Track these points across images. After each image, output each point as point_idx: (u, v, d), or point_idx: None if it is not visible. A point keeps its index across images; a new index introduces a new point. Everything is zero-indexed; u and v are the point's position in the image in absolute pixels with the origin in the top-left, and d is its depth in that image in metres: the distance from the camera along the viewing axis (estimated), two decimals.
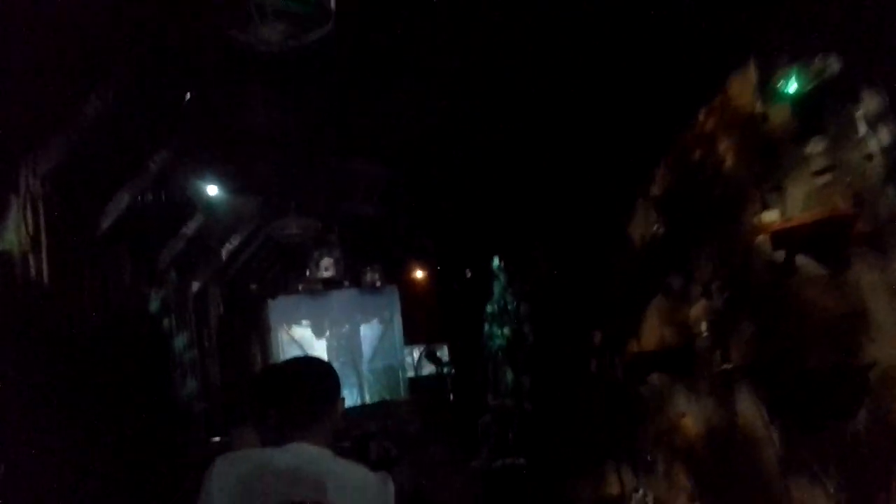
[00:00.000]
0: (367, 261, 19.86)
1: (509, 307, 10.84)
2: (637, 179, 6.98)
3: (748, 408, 5.55)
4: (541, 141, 8.13)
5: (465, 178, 10.31)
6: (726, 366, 5.57)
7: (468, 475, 11.71)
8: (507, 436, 11.13)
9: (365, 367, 22.80)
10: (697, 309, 5.90)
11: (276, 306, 21.75)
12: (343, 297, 21.86)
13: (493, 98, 8.08)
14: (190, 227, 10.91)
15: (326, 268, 15.56)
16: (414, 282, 22.83)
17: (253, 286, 21.24)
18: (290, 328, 22.58)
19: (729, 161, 5.51)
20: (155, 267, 10.47)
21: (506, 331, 10.57)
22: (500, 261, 10.88)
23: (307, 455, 2.33)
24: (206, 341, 14.07)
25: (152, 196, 9.03)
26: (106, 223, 8.09)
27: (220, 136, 9.53)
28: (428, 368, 24.12)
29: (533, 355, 10.19)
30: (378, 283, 20.62)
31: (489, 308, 11.54)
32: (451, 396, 11.85)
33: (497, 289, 11.33)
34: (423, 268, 21.99)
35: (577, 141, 7.64)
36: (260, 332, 22.21)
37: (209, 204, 10.90)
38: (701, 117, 5.83)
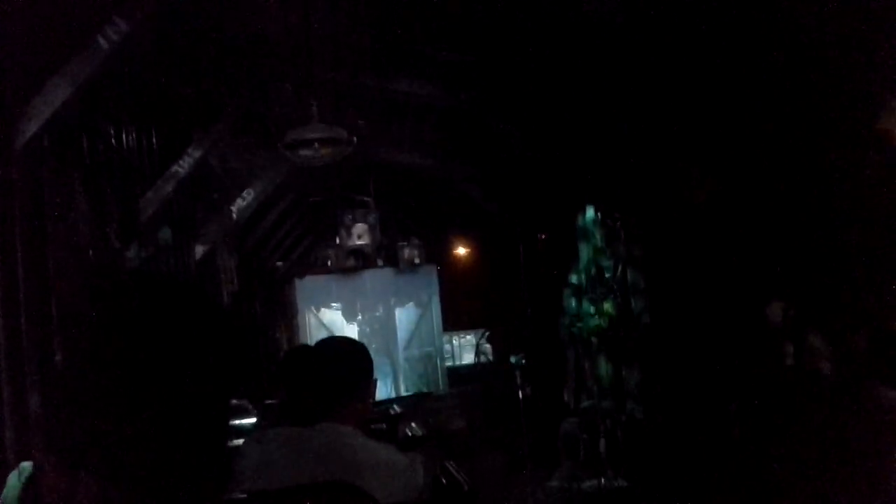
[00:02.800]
0: (405, 234, 16.79)
1: (607, 275, 7.69)
2: None
3: None
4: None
5: (551, 95, 7.17)
6: None
7: (544, 496, 8.60)
8: (599, 448, 8.00)
9: (400, 355, 20.05)
10: None
11: (304, 286, 19.18)
12: (377, 278, 19.19)
13: None
14: (183, 165, 7.90)
15: (360, 235, 12.53)
16: (454, 260, 19.90)
17: (279, 263, 18.47)
18: (318, 311, 20.01)
19: None
20: (133, 215, 7.49)
21: (607, 307, 7.41)
22: (595, 213, 7.72)
23: (337, 435, 2.24)
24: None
25: (112, 98, 6.03)
26: (30, 129, 5.10)
27: (212, 33, 6.49)
28: (468, 357, 21.28)
29: (648, 341, 7.04)
30: (417, 261, 17.54)
31: (574, 279, 8.40)
32: (521, 393, 8.74)
33: (586, 252, 8.19)
34: (465, 244, 18.97)
35: None
36: (286, 315, 19.63)
37: (210, 134, 7.90)
38: None
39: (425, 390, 19.22)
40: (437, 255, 18.78)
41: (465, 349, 21.23)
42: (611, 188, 7.52)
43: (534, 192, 8.89)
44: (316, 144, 5.33)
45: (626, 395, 7.47)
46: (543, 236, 9.16)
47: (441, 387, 19.58)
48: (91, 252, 6.25)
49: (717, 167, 5.89)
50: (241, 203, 10.61)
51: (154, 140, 8.06)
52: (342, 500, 2.15)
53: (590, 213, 7.82)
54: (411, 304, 20.11)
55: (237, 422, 9.58)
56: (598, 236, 7.78)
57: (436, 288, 19.58)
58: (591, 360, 7.95)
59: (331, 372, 2.36)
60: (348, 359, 2.42)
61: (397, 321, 19.90)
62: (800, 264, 4.85)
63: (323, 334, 17.87)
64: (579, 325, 7.99)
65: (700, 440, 6.45)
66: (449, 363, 20.48)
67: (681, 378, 6.73)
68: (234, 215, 10.54)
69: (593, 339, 7.86)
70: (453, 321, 20.09)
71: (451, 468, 3.06)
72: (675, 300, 6.74)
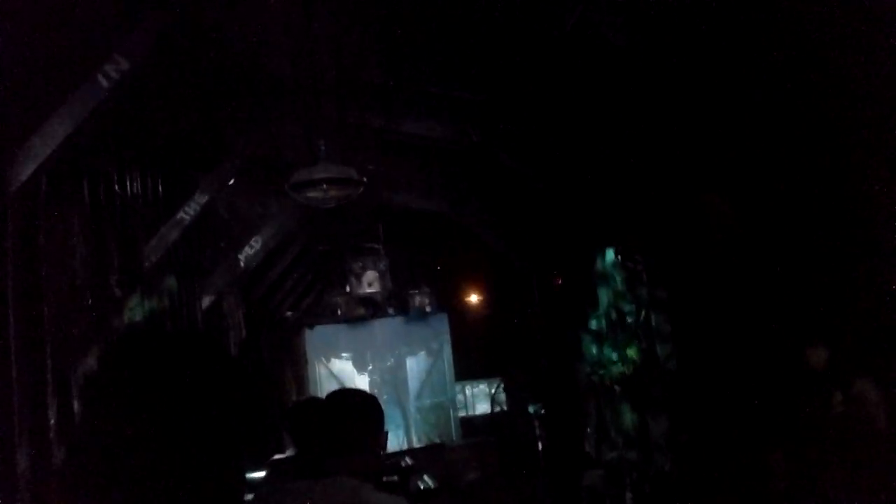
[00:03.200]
0: (415, 281, 16.43)
1: (628, 320, 7.32)
2: None
3: None
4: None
5: (566, 132, 6.91)
6: None
7: None
8: (625, 502, 7.52)
9: (411, 405, 19.53)
10: None
11: (313, 336, 18.80)
12: (387, 327, 18.83)
13: None
14: (188, 211, 7.65)
15: (370, 283, 12.19)
16: (466, 307, 19.45)
17: (289, 314, 18.13)
18: (328, 361, 19.60)
19: None
20: (136, 263, 7.21)
21: (630, 353, 7.02)
22: (616, 255, 7.39)
23: (349, 488, 2.20)
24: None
25: (114, 139, 5.79)
26: (27, 170, 4.84)
27: (218, 71, 6.28)
28: (481, 407, 20.70)
29: (675, 388, 6.63)
30: (428, 308, 17.13)
31: (594, 324, 8.03)
32: (540, 443, 8.31)
33: (606, 296, 7.83)
34: (477, 291, 18.59)
35: None
36: (295, 365, 19.21)
37: (216, 178, 7.66)
38: None
39: (438, 441, 18.65)
40: (449, 302, 18.37)
41: (478, 399, 20.61)
42: (630, 229, 7.20)
43: (549, 234, 8.58)
44: (324, 185, 5.05)
45: (653, 447, 7.02)
46: (560, 280, 8.81)
47: (454, 438, 19.03)
48: (90, 301, 5.95)
49: (745, 202, 5.57)
50: (248, 251, 10.33)
51: (159, 184, 7.83)
52: None
53: (609, 255, 7.48)
54: (422, 352, 19.59)
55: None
56: (618, 279, 7.43)
57: (447, 336, 19.10)
58: (614, 409, 7.52)
59: (342, 425, 2.34)
60: (360, 412, 2.39)
61: (408, 371, 19.40)
62: (845, 303, 4.49)
63: (333, 385, 17.44)
64: (601, 372, 7.59)
65: (733, 495, 6.01)
66: (462, 413, 19.92)
67: (711, 428, 6.31)
68: (242, 263, 10.26)
69: (616, 387, 7.45)
70: (465, 370, 19.58)
71: None
72: (704, 345, 6.36)
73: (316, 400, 3.22)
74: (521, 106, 6.73)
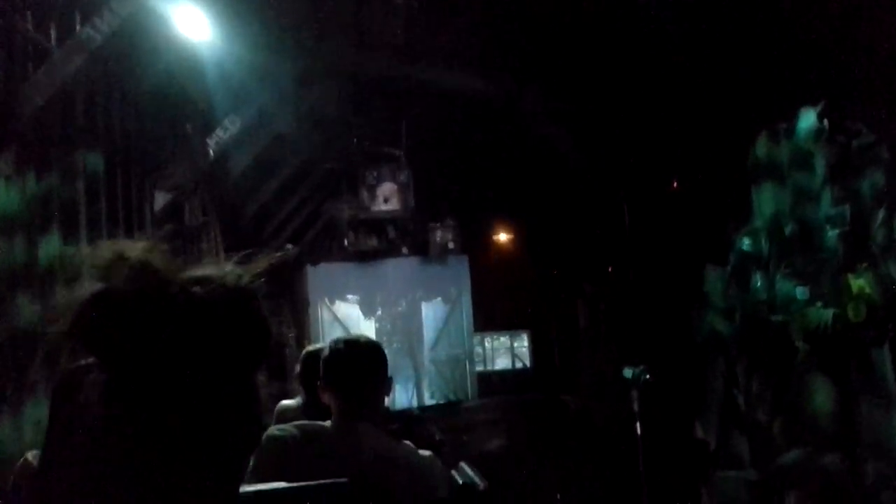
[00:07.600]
0: (438, 211, 13.29)
1: (828, 232, 4.10)
2: None
3: None
4: None
5: None
6: None
7: None
8: None
9: (425, 357, 17.04)
10: None
11: (317, 274, 16.31)
12: (400, 267, 16.39)
13: None
14: (101, 27, 4.39)
15: (387, 198, 8.98)
16: (490, 249, 16.53)
17: (288, 246, 15.16)
18: (332, 303, 17.15)
19: None
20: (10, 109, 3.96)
21: (859, 284, 3.78)
22: (820, 120, 4.10)
23: (360, 434, 2.21)
24: None
25: None
26: None
27: None
28: (502, 362, 18.07)
29: None
30: (451, 246, 14.16)
31: (745, 243, 4.81)
32: (640, 426, 5.20)
33: (771, 200, 4.60)
34: (508, 226, 15.53)
35: None
36: (295, 308, 16.55)
37: None
38: None
39: (454, 398, 16.09)
40: (472, 239, 15.47)
41: (498, 353, 18.07)
42: (854, 76, 3.92)
43: (669, 112, 5.31)
44: None
45: (872, 449, 3.87)
46: (676, 184, 5.57)
47: (470, 395, 16.49)
48: None
49: None
50: (221, 135, 7.10)
51: None
52: (363, 495, 1.96)
53: (805, 121, 4.20)
54: (439, 298, 17.09)
55: None
56: (817, 164, 4.18)
57: (467, 281, 16.64)
58: (795, 379, 4.33)
59: (352, 374, 2.24)
60: (369, 360, 2.30)
61: (422, 318, 16.81)
62: None
63: (337, 331, 14.85)
64: (776, 318, 4.37)
65: None
66: (479, 368, 17.37)
67: None
68: (212, 151, 7.05)
69: (801, 345, 4.25)
70: (487, 320, 16.96)
71: (466, 467, 2.84)
72: None
73: (328, 349, 2.49)
74: None
